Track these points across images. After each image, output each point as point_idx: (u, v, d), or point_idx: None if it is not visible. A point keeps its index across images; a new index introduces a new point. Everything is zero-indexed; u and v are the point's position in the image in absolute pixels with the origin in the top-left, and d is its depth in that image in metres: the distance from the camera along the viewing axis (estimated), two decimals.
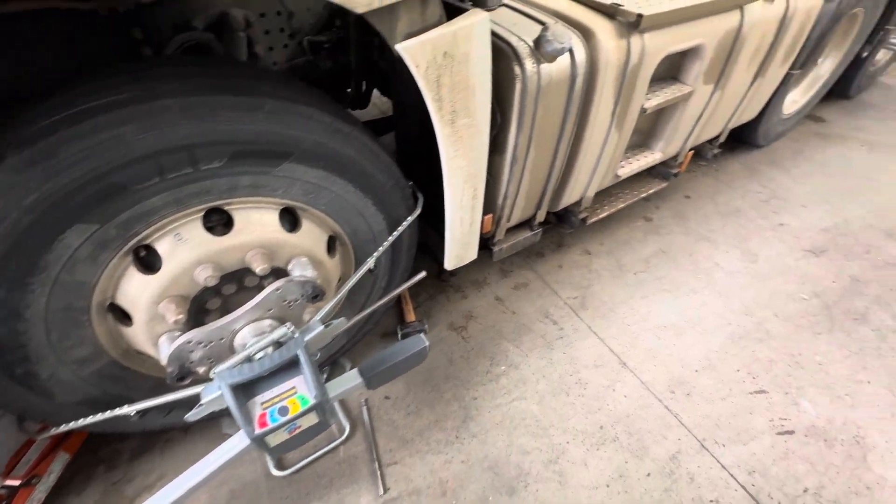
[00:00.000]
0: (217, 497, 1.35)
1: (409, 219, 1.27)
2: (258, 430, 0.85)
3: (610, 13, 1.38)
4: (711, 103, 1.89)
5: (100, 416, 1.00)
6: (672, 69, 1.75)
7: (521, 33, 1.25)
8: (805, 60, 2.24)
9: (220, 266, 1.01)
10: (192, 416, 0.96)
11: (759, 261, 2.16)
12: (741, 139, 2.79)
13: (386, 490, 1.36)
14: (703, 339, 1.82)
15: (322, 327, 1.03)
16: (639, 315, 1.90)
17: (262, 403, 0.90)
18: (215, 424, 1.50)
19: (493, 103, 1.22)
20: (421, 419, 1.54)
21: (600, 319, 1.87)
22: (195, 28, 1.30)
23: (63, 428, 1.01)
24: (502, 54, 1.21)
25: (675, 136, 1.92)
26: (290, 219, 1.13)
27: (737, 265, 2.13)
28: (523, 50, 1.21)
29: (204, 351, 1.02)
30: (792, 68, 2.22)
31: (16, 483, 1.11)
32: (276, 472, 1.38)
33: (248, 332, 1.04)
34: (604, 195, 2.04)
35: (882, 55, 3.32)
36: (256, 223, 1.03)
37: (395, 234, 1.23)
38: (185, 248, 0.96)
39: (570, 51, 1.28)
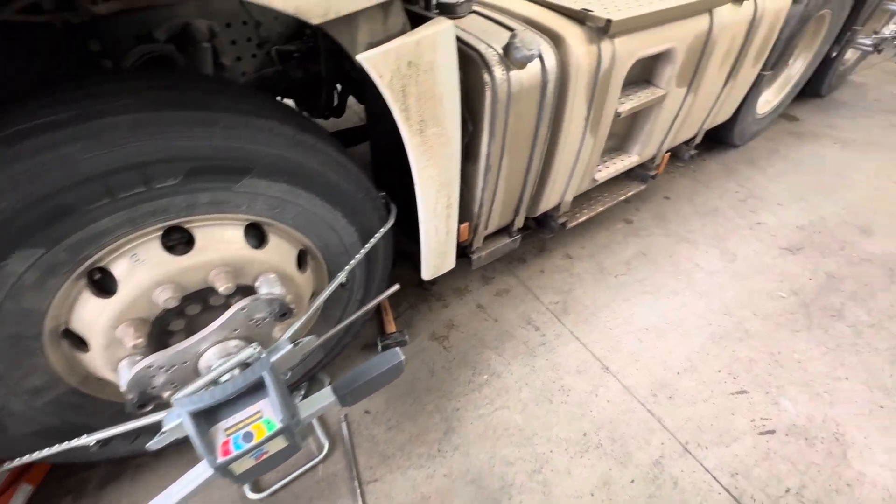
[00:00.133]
0: None
1: (382, 230, 1.24)
2: (221, 459, 0.82)
3: (580, 19, 1.38)
4: (685, 106, 1.90)
5: (56, 448, 0.95)
6: (645, 73, 1.76)
7: (491, 40, 1.24)
8: (776, 62, 2.27)
9: (182, 286, 0.97)
10: (154, 444, 0.92)
11: (737, 260, 2.18)
12: (718, 139, 2.82)
13: None
14: (684, 340, 1.82)
15: (291, 346, 1.00)
16: (621, 318, 1.89)
17: (226, 430, 0.86)
18: (188, 447, 1.45)
19: (463, 111, 1.20)
20: (402, 433, 1.51)
21: (582, 324, 1.86)
22: (157, 40, 1.26)
23: (17, 462, 0.95)
24: (471, 62, 1.20)
25: (650, 139, 1.93)
26: (257, 234, 1.10)
27: (716, 265, 2.15)
28: (492, 57, 1.19)
29: (167, 375, 0.97)
30: (763, 69, 2.25)
31: None
32: (251, 496, 1.34)
33: (214, 354, 1.00)
34: (583, 199, 2.04)
35: (851, 54, 3.40)
36: (219, 240, 1.00)
37: (367, 247, 1.20)
38: (143, 270, 0.92)
39: (540, 57, 1.27)
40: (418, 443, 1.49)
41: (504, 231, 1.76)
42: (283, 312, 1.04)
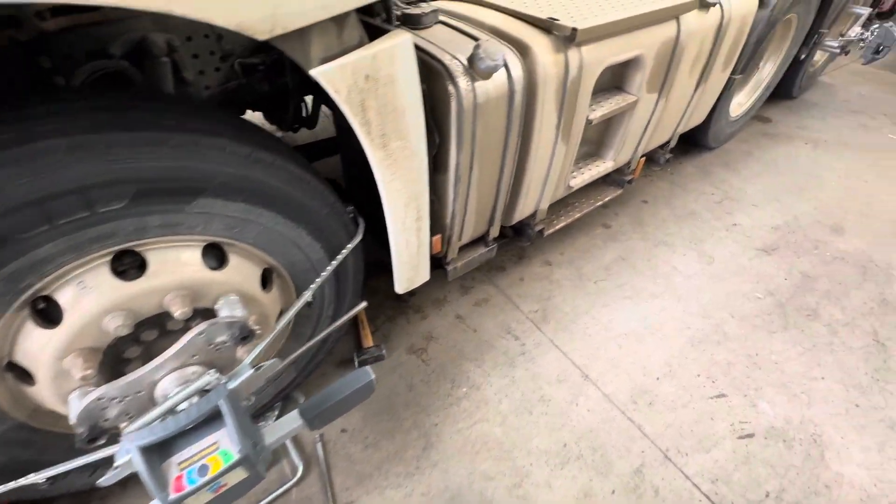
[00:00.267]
0: None
1: (349, 246, 1.21)
2: (172, 496, 0.78)
3: (546, 28, 1.38)
4: (657, 111, 1.91)
5: (2, 489, 0.89)
6: (616, 79, 1.77)
7: (456, 51, 1.22)
8: (745, 65, 2.31)
9: (135, 313, 0.93)
10: (106, 480, 0.87)
11: (714, 262, 2.20)
12: (694, 142, 2.86)
13: None
14: (663, 344, 1.82)
15: (252, 371, 0.96)
16: (600, 324, 1.89)
17: (180, 463, 0.82)
18: None
19: (429, 123, 1.19)
20: (379, 451, 1.48)
21: (562, 332, 1.85)
22: (112, 55, 1.22)
23: None
24: (435, 73, 1.18)
25: (624, 145, 1.93)
26: (218, 254, 1.06)
27: (694, 268, 2.16)
28: (456, 68, 1.18)
29: (121, 406, 0.93)
30: (733, 73, 2.28)
31: None
32: None
33: (171, 382, 0.96)
34: (559, 206, 2.04)
35: (819, 56, 3.48)
36: (175, 263, 0.96)
37: (334, 264, 1.17)
38: (91, 297, 0.87)
39: (507, 67, 1.26)
40: (396, 461, 1.45)
41: (480, 241, 1.75)
42: (245, 335, 1.00)
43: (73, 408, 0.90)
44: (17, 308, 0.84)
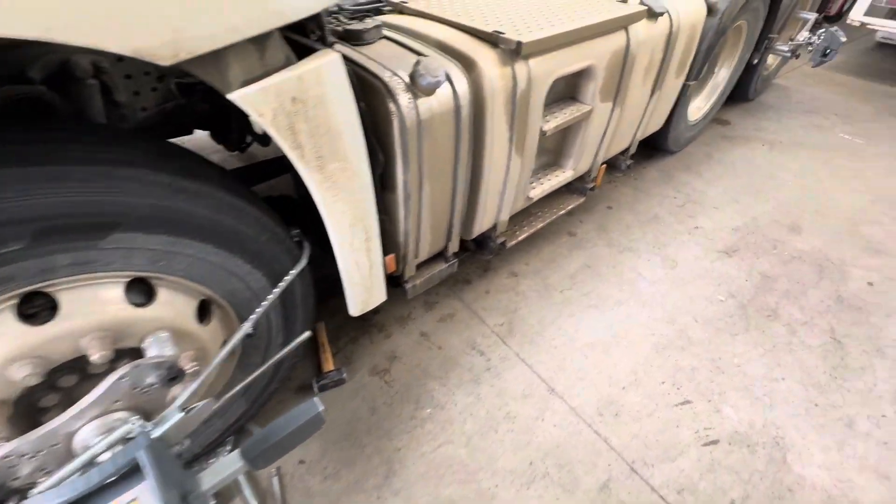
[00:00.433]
0: None
1: (293, 272, 1.16)
2: None
3: (492, 41, 1.36)
4: (613, 119, 1.92)
5: None
6: (570, 89, 1.77)
7: (398, 68, 1.19)
8: (699, 71, 2.35)
9: (46, 359, 0.86)
10: None
11: (678, 266, 2.21)
12: (655, 147, 2.90)
13: None
14: (629, 352, 1.81)
15: (181, 415, 0.90)
16: (567, 335, 1.87)
17: None
18: None
19: (372, 141, 1.15)
20: (339, 482, 1.41)
21: (528, 345, 1.83)
22: (32, 80, 1.14)
23: None
24: (375, 91, 1.15)
25: (583, 154, 1.93)
26: (146, 288, 0.99)
27: (658, 273, 2.17)
28: (397, 85, 1.15)
29: (34, 462, 0.85)
30: (688, 80, 2.32)
31: None
32: None
33: (92, 431, 0.88)
34: (522, 216, 2.02)
35: (772, 60, 3.60)
36: (92, 303, 0.89)
37: (276, 292, 1.12)
38: None
39: (451, 82, 1.24)
40: (356, 491, 1.39)
41: (440, 256, 1.71)
42: (173, 376, 0.94)
43: None
44: None
